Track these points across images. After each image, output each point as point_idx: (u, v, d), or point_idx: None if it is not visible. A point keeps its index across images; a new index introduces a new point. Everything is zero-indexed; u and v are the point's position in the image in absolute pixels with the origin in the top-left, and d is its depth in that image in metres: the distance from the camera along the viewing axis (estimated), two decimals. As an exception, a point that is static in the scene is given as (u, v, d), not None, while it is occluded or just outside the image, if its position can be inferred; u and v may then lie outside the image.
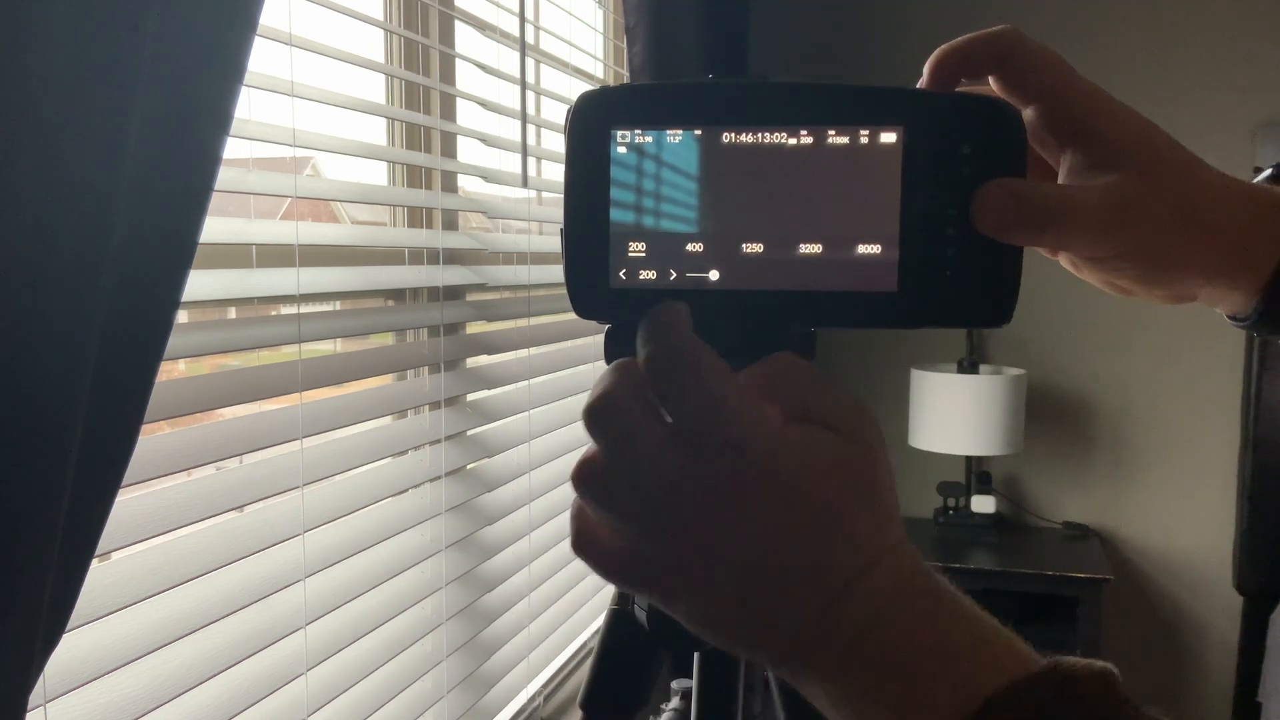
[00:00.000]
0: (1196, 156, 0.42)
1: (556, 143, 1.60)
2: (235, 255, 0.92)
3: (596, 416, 0.34)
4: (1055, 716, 0.29)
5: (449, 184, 1.28)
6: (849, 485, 0.33)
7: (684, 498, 0.33)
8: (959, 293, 0.38)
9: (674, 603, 0.34)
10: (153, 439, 0.78)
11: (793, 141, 0.38)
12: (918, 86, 0.42)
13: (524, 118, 1.36)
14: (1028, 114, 0.41)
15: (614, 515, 0.34)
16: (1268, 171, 0.48)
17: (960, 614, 0.33)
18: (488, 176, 1.34)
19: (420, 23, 1.24)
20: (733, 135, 0.38)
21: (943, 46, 0.42)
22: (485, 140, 1.33)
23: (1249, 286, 0.43)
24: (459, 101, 1.30)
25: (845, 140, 0.38)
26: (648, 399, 0.34)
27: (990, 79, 0.42)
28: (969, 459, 2.53)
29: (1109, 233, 0.40)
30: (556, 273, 1.51)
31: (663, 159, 0.38)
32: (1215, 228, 0.42)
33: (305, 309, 0.95)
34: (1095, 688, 0.30)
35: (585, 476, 0.34)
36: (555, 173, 1.54)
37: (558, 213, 1.53)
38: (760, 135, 0.38)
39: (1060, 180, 0.41)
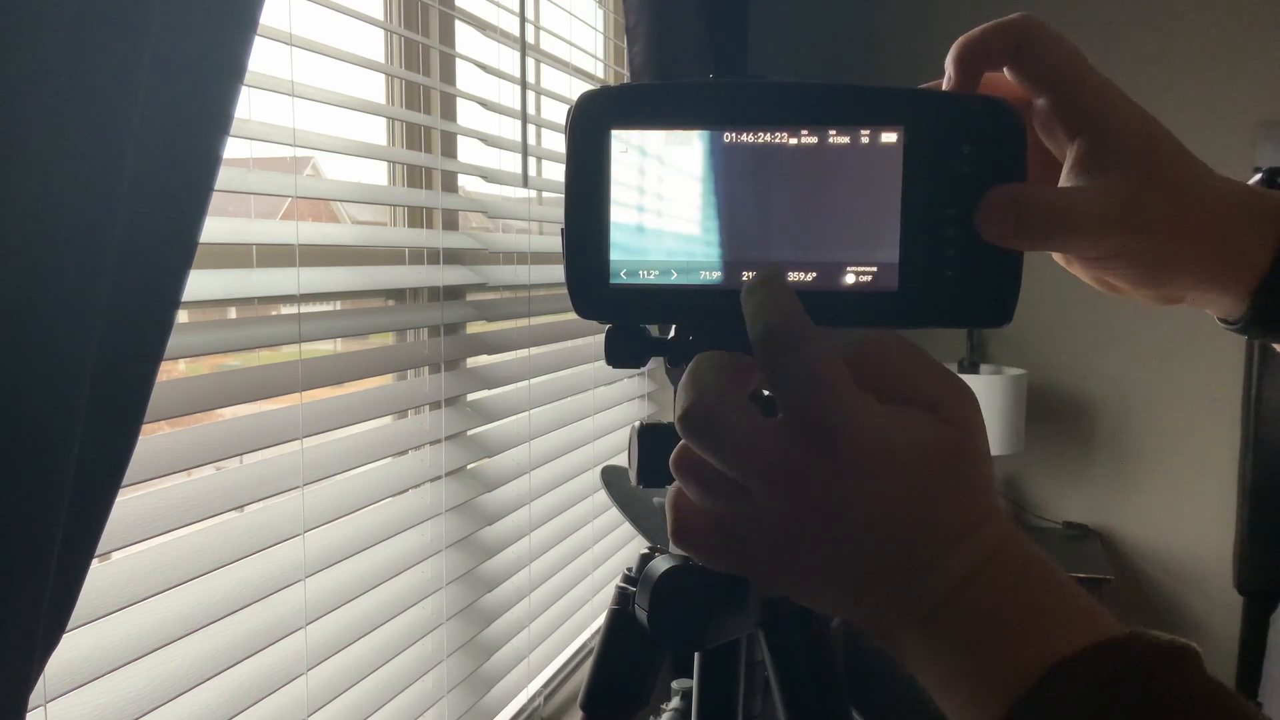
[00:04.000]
0: (1196, 159, 0.42)
1: (556, 143, 1.60)
2: (235, 255, 0.92)
3: (693, 425, 0.34)
4: (1130, 683, 0.29)
5: (449, 184, 1.28)
6: (946, 463, 0.34)
7: (785, 484, 0.33)
8: (960, 293, 0.38)
9: (773, 581, 0.36)
10: (153, 439, 0.78)
11: (793, 141, 0.38)
12: (943, 85, 0.42)
13: (524, 118, 1.36)
14: (1038, 103, 0.41)
15: (716, 501, 0.35)
16: (1259, 175, 0.48)
17: (1049, 581, 0.33)
18: (488, 176, 1.34)
19: (420, 23, 1.24)
20: (733, 135, 0.38)
21: (961, 39, 0.41)
22: (485, 140, 1.33)
23: (1239, 290, 0.43)
24: (459, 101, 1.30)
25: (846, 140, 0.38)
26: (738, 396, 0.34)
27: (1005, 69, 0.42)
28: (969, 459, 2.53)
29: (1109, 236, 0.40)
30: (556, 273, 1.51)
31: (663, 159, 0.38)
32: (1209, 232, 0.42)
33: (305, 309, 0.95)
34: (1174, 661, 0.30)
35: (686, 465, 0.35)
36: (555, 173, 1.54)
37: (558, 213, 1.53)
38: (761, 135, 0.38)
39: (1063, 173, 0.42)
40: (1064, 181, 0.41)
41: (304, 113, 0.93)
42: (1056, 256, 0.46)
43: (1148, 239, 0.41)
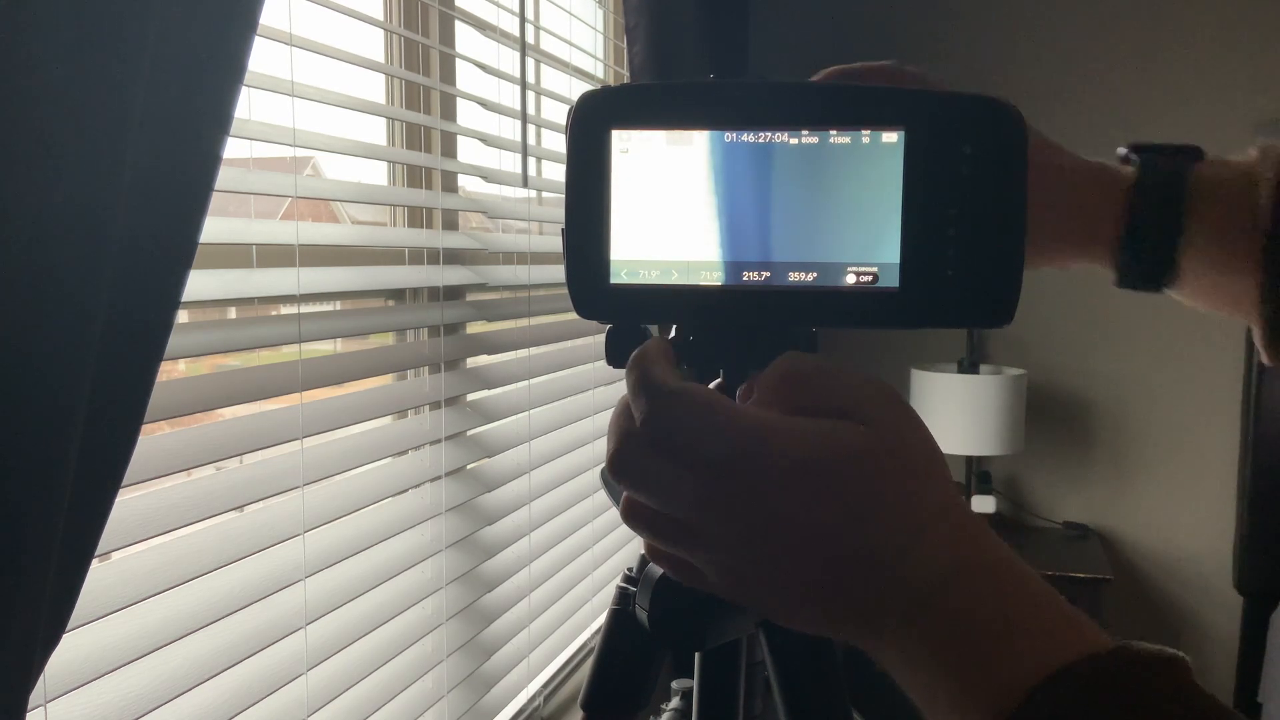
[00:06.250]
0: (1051, 139, 0.49)
1: (556, 143, 1.60)
2: (235, 255, 0.92)
3: (615, 472, 0.35)
4: (1120, 695, 0.29)
5: (449, 184, 1.28)
6: (867, 466, 0.33)
7: (720, 515, 0.34)
8: (960, 293, 0.38)
9: (748, 604, 0.36)
10: (153, 439, 0.78)
11: (793, 141, 0.38)
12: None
13: (524, 118, 1.36)
14: None
15: (666, 541, 0.36)
16: (1122, 150, 0.54)
17: (1025, 589, 0.33)
18: (488, 176, 1.34)
19: (420, 23, 1.24)
20: (734, 135, 0.38)
21: (836, 68, 0.48)
22: (485, 140, 1.33)
23: (1106, 256, 0.52)
24: (459, 101, 1.30)
25: (846, 140, 0.38)
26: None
27: None
28: (969, 459, 2.53)
29: None
30: (556, 273, 1.51)
31: (663, 159, 0.38)
32: (1066, 200, 0.49)
33: (305, 309, 0.95)
34: (1162, 672, 0.30)
35: (631, 511, 0.36)
36: (555, 173, 1.54)
37: (558, 213, 1.53)
38: (761, 135, 0.38)
39: None
40: None
41: (304, 113, 0.93)
42: None
43: None
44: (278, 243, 0.92)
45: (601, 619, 0.69)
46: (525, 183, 1.37)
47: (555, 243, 1.54)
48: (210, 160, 0.58)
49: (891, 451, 0.34)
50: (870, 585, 0.33)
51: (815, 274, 0.39)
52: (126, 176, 0.51)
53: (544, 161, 1.50)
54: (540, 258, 1.49)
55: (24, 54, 0.45)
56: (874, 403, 0.35)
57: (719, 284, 0.39)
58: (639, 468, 0.35)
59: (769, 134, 0.38)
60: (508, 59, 1.36)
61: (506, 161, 1.38)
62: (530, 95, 1.42)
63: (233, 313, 1.01)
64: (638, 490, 0.35)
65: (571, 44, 1.61)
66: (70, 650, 0.70)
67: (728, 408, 0.34)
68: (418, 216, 1.25)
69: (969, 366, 2.47)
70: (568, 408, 1.59)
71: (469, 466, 1.29)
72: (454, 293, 1.27)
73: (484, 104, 1.32)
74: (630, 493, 0.36)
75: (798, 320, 0.40)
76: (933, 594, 0.32)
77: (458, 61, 1.29)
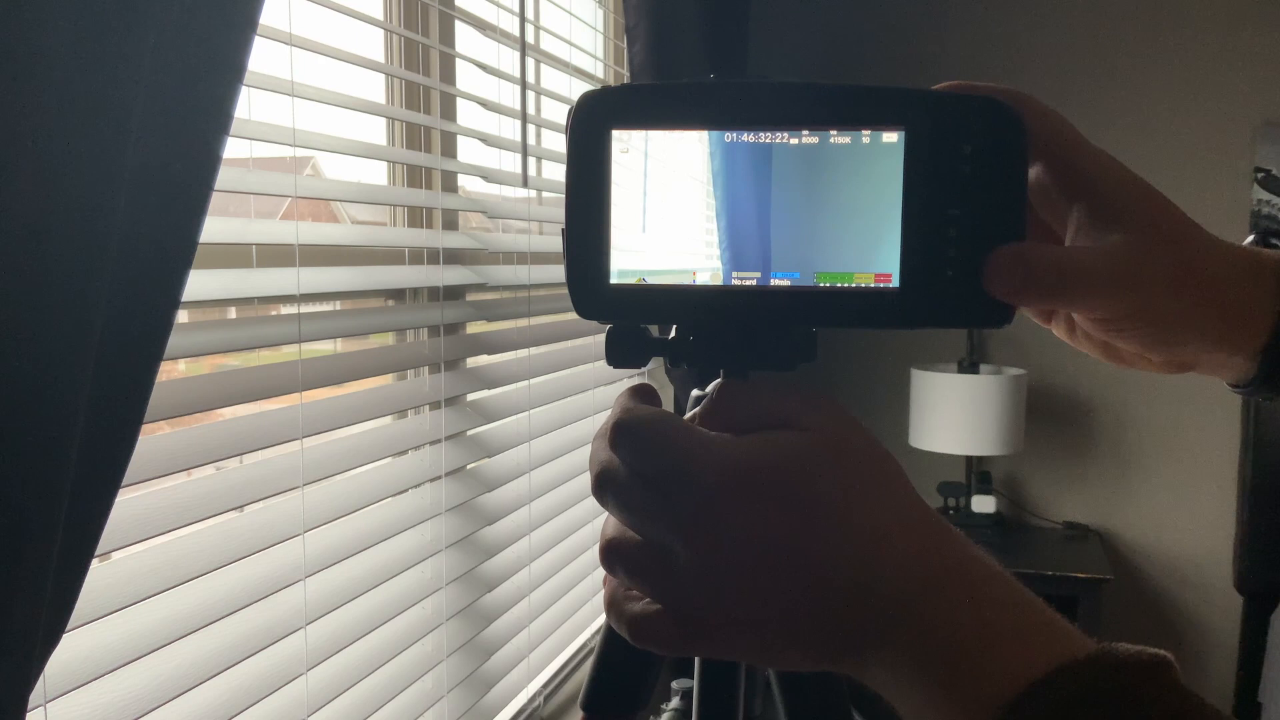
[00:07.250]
0: (1193, 220, 0.43)
1: (556, 143, 1.60)
2: (235, 255, 0.92)
3: (597, 490, 0.36)
4: (1103, 702, 0.29)
5: (449, 184, 1.28)
6: (812, 467, 0.33)
7: (683, 530, 0.33)
8: (960, 293, 0.38)
9: (728, 647, 0.35)
10: (153, 439, 0.78)
11: (794, 141, 0.38)
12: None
13: (524, 117, 1.36)
14: (1034, 172, 0.42)
15: (645, 577, 0.35)
16: (1252, 237, 0.48)
17: (1004, 595, 0.32)
18: (488, 176, 1.34)
19: (420, 23, 1.24)
20: (734, 135, 0.38)
21: (959, 83, 0.42)
22: (485, 140, 1.33)
23: (1248, 350, 0.44)
24: (459, 101, 1.30)
25: (846, 140, 0.38)
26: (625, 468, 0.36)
27: None
28: (969, 459, 2.53)
29: (1118, 293, 0.41)
30: (556, 273, 1.51)
31: (663, 159, 0.38)
32: (1215, 289, 0.42)
33: (305, 309, 0.95)
34: (1147, 675, 0.29)
35: (609, 550, 0.36)
36: (555, 173, 1.54)
37: (558, 213, 1.53)
38: (761, 135, 0.38)
39: (1067, 239, 0.42)
40: (1069, 245, 0.42)
41: (304, 113, 0.93)
42: (1057, 330, 0.47)
43: (1157, 295, 0.41)
44: (277, 243, 0.92)
45: (601, 619, 0.69)
46: (525, 183, 1.37)
47: (555, 243, 1.54)
48: (210, 160, 0.58)
49: (835, 452, 0.34)
50: (843, 597, 0.32)
51: (815, 274, 0.39)
52: (126, 176, 0.51)
53: (544, 161, 1.50)
54: (540, 258, 1.49)
55: (24, 54, 0.45)
56: (812, 411, 0.35)
57: (719, 284, 0.39)
58: (612, 485, 0.35)
59: (769, 134, 0.38)
60: (508, 59, 1.36)
61: (506, 161, 1.38)
62: (530, 95, 1.42)
63: (233, 313, 1.01)
64: (617, 511, 0.35)
65: (571, 44, 1.61)
66: (70, 650, 0.70)
67: (679, 424, 0.35)
68: (418, 216, 1.25)
69: (969, 366, 2.47)
70: (568, 408, 1.59)
71: (469, 466, 1.29)
72: (454, 293, 1.27)
73: (484, 104, 1.32)
74: (612, 514, 0.36)
75: (798, 320, 0.40)
76: (905, 610, 0.32)
77: (458, 61, 1.29)
